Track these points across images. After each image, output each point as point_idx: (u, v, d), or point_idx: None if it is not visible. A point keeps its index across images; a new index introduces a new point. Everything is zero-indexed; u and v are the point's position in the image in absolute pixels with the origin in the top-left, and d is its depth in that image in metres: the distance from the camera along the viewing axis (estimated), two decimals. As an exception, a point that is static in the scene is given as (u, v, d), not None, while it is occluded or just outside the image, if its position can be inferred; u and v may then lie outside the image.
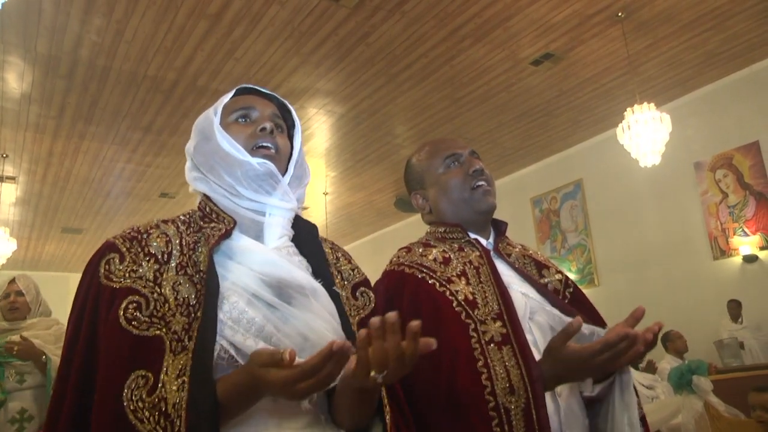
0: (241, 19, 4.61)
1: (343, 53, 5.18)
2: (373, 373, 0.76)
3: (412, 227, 9.78)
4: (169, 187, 8.03)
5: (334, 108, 6.17)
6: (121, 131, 6.29)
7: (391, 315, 0.74)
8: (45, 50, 4.81)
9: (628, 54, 5.35)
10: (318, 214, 9.37)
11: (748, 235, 5.93)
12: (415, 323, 0.74)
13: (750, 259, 5.86)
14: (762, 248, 5.83)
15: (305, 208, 9.18)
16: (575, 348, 1.09)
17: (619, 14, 4.86)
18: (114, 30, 4.63)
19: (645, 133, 4.98)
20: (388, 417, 0.93)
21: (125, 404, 0.81)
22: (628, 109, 5.10)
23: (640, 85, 5.88)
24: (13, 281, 3.07)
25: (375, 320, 0.74)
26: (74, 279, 10.14)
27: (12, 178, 7.28)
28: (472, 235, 1.39)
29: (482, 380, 1.13)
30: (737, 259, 5.98)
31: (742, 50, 5.63)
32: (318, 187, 8.48)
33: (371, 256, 10.93)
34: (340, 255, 1.16)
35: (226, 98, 1.11)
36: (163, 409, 0.80)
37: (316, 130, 6.66)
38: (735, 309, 5.84)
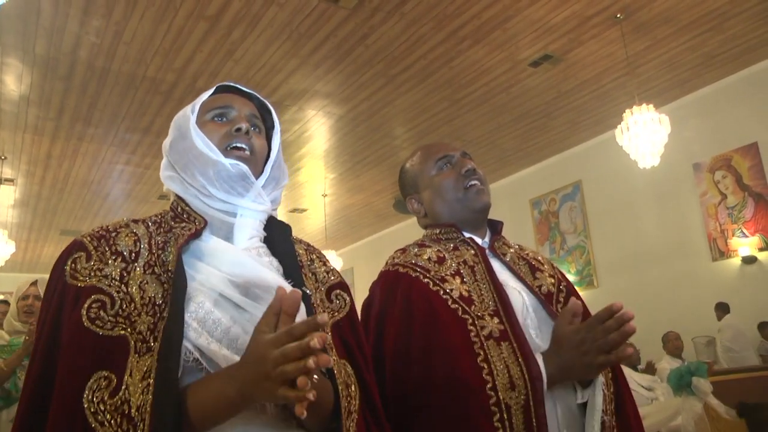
0: (240, 20, 4.61)
1: (342, 54, 5.18)
2: None
3: (411, 229, 9.74)
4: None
5: (333, 109, 6.17)
6: (119, 133, 6.29)
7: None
8: (43, 52, 4.81)
9: (626, 55, 5.36)
10: (317, 216, 9.37)
11: (746, 236, 5.93)
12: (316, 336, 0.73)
13: (749, 260, 5.87)
14: (761, 249, 5.83)
15: (304, 210, 9.23)
16: (574, 326, 1.16)
17: (618, 16, 4.86)
18: (113, 31, 4.63)
19: (644, 134, 4.99)
20: (347, 416, 0.91)
21: (85, 406, 0.78)
22: (627, 110, 5.10)
23: (639, 86, 5.88)
24: (34, 284, 3.11)
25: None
26: (73, 281, 10.12)
27: (10, 180, 7.28)
28: (467, 234, 1.39)
29: (483, 375, 1.14)
30: (736, 261, 5.98)
31: (740, 51, 5.64)
32: (317, 188, 8.48)
33: (370, 258, 10.93)
34: (315, 257, 1.14)
35: (206, 95, 1.09)
36: (126, 411, 0.77)
37: (315, 132, 6.66)
38: (716, 311, 5.89)
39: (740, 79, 6.06)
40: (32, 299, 3.06)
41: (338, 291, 1.10)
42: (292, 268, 1.02)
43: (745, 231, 5.95)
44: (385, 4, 4.55)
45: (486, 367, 1.14)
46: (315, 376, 0.75)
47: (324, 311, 1.03)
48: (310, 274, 1.08)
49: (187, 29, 4.68)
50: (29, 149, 6.51)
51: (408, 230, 9.92)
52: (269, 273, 0.95)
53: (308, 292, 1.01)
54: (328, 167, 7.74)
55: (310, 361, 0.71)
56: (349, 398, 0.92)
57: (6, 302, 4.16)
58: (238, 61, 5.16)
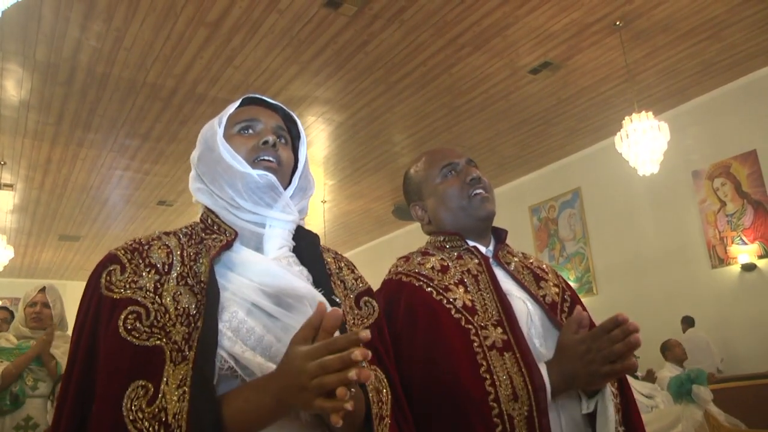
0: (241, 26, 4.62)
1: (342, 61, 5.19)
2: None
3: (411, 235, 9.76)
4: (167, 194, 8.02)
5: (333, 116, 6.18)
6: (119, 138, 6.29)
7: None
8: (44, 57, 4.82)
9: (626, 63, 5.37)
10: (316, 223, 9.36)
11: (746, 243, 5.93)
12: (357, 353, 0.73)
13: (748, 267, 5.86)
14: (760, 257, 5.83)
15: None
16: (579, 335, 1.16)
17: (617, 23, 4.88)
18: (113, 37, 4.63)
19: (643, 141, 4.99)
20: (384, 428, 0.92)
21: (125, 414, 0.81)
22: (627, 117, 5.11)
23: (638, 93, 5.90)
24: (42, 291, 3.11)
25: None
26: (71, 286, 10.10)
27: (10, 186, 7.27)
28: (471, 243, 1.39)
29: (486, 386, 1.13)
30: (735, 268, 5.98)
31: (739, 59, 5.66)
32: (316, 195, 8.48)
33: (369, 265, 10.88)
34: (342, 265, 1.16)
35: (232, 108, 1.11)
36: (163, 419, 0.80)
37: (315, 138, 6.66)
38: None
39: (739, 87, 6.07)
40: (40, 306, 3.05)
41: (367, 298, 1.12)
42: (321, 277, 1.04)
43: (744, 238, 5.95)
44: (386, 11, 4.57)
45: (488, 378, 1.14)
46: (352, 389, 0.76)
47: (353, 318, 1.05)
48: (339, 282, 1.10)
49: (188, 35, 4.69)
50: (29, 154, 6.51)
51: (407, 237, 9.92)
52: (300, 282, 0.97)
53: (338, 300, 1.03)
54: (327, 173, 7.74)
55: (352, 373, 0.72)
56: (380, 403, 0.94)
57: (5, 308, 4.14)
58: (238, 68, 5.17)
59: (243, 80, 5.35)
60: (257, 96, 1.15)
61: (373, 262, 10.59)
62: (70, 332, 3.17)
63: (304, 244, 1.09)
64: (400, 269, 1.36)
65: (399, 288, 1.31)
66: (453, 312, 1.23)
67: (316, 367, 0.74)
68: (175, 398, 0.81)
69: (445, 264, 1.34)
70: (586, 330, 1.18)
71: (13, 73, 5.01)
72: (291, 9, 4.46)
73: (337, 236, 10.53)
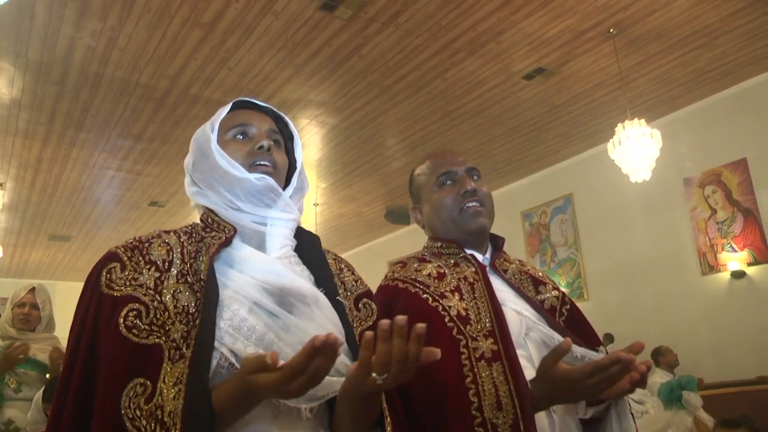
0: (235, 28, 4.61)
1: (336, 64, 5.19)
2: (374, 375, 0.78)
3: (402, 239, 9.76)
4: (159, 195, 7.98)
5: (326, 119, 6.17)
6: (111, 139, 6.26)
7: (400, 318, 0.76)
8: (36, 56, 4.79)
9: (619, 70, 5.40)
10: (308, 226, 9.30)
11: (736, 251, 5.97)
12: (420, 326, 0.75)
13: (738, 275, 5.90)
14: (750, 264, 5.87)
15: (296, 219, 9.22)
16: (565, 369, 1.07)
17: (611, 30, 4.91)
18: (107, 37, 4.61)
19: (635, 148, 5.01)
20: (389, 429, 0.94)
21: (123, 412, 0.81)
22: (619, 124, 5.13)
23: (631, 101, 5.93)
24: (32, 291, 3.04)
25: (383, 323, 0.76)
26: (60, 287, 10.03)
27: (-1, 184, 7.22)
28: (468, 251, 1.38)
29: (469, 396, 1.13)
30: (725, 275, 6.01)
31: (731, 68, 5.70)
32: (308, 198, 8.46)
33: (360, 268, 10.80)
34: (343, 266, 1.17)
35: (224, 113, 1.11)
36: (159, 416, 0.80)
37: (308, 141, 6.65)
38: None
39: (730, 95, 6.12)
40: (29, 308, 2.99)
41: (366, 300, 1.13)
42: (323, 277, 1.05)
43: (734, 246, 5.99)
44: (381, 15, 4.57)
45: (473, 387, 1.13)
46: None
47: (353, 320, 1.06)
48: (340, 283, 1.10)
49: (182, 36, 4.67)
50: (19, 153, 6.46)
51: (399, 241, 9.91)
52: (303, 281, 0.98)
53: (344, 301, 1.04)
54: (320, 176, 7.73)
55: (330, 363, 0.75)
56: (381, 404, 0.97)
57: None
58: (232, 69, 5.16)
59: (237, 82, 5.33)
60: (248, 99, 1.15)
61: (365, 265, 10.56)
62: (56, 333, 3.13)
63: (306, 244, 1.09)
64: (396, 275, 1.36)
65: (395, 294, 1.31)
66: (446, 320, 1.23)
67: (303, 383, 0.76)
68: (171, 396, 0.81)
69: (442, 271, 1.34)
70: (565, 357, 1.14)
71: (4, 71, 4.98)
72: (286, 11, 4.46)
73: (329, 239, 10.51)
